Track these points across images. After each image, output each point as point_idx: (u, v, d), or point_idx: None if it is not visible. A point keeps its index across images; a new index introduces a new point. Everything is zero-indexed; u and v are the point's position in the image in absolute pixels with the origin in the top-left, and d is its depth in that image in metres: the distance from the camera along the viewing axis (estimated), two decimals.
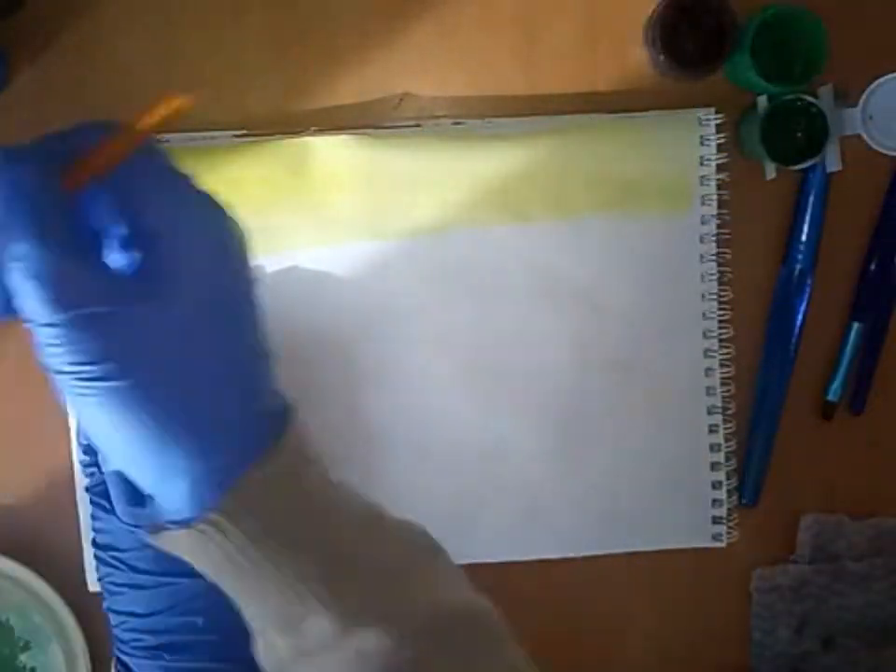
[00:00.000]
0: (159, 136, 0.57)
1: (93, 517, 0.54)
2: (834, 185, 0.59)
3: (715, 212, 0.58)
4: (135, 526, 0.51)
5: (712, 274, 0.59)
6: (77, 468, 0.58)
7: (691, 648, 0.61)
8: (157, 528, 0.40)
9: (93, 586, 0.59)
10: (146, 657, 0.51)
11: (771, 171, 0.57)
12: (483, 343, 0.58)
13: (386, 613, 0.38)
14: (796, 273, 0.59)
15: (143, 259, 0.38)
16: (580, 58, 0.59)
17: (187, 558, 0.40)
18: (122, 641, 0.53)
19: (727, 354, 0.59)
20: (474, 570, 0.60)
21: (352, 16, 0.58)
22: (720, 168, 0.58)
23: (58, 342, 0.37)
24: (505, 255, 0.58)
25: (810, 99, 0.55)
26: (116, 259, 0.39)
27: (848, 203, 0.59)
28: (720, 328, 0.59)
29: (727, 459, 0.59)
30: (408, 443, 0.59)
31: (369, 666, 0.38)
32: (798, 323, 0.60)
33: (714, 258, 0.58)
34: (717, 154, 0.57)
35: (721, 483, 0.59)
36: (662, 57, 0.55)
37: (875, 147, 0.54)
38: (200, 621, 0.51)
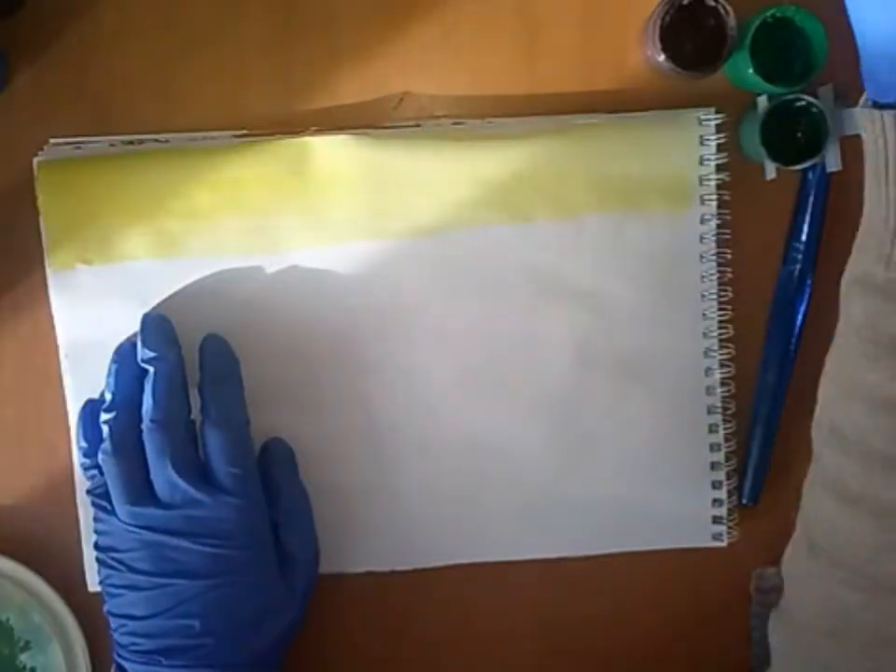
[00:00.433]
0: (158, 136, 0.58)
1: (95, 519, 0.54)
2: (834, 185, 0.59)
3: (715, 212, 0.58)
4: (136, 526, 0.51)
5: (712, 274, 0.59)
6: (78, 468, 0.58)
7: (691, 648, 0.61)
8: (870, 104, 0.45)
9: (93, 587, 0.59)
10: (143, 662, 0.51)
11: (771, 171, 0.57)
12: (483, 343, 0.58)
13: None
14: (796, 273, 0.59)
15: None
16: (580, 57, 0.59)
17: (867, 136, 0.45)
18: (121, 646, 0.53)
19: (727, 354, 0.59)
20: (474, 570, 0.61)
21: (352, 15, 0.58)
22: (719, 168, 0.58)
23: None
24: (505, 254, 0.58)
25: (810, 99, 0.55)
26: None
27: (848, 203, 0.59)
28: (719, 327, 0.59)
29: (727, 459, 0.59)
30: (408, 442, 0.59)
31: None
32: (798, 323, 0.60)
33: (714, 257, 0.58)
34: (716, 154, 0.57)
35: (721, 482, 0.59)
36: (662, 57, 0.55)
37: None
38: (196, 624, 0.51)
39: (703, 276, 0.59)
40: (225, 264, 0.57)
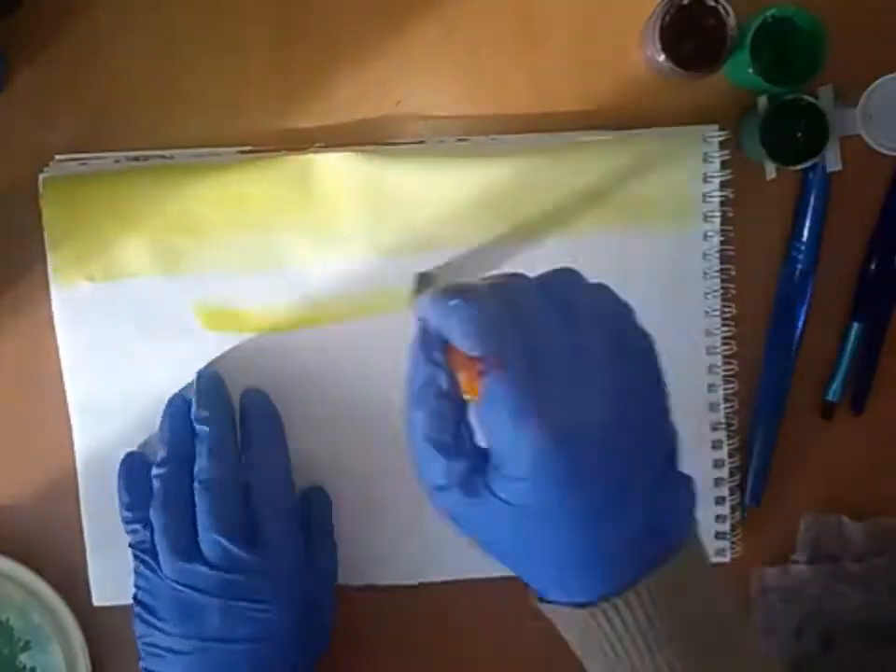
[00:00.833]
0: (163, 152, 0.58)
1: (136, 573, 0.54)
2: (834, 185, 0.59)
3: (718, 228, 0.58)
4: (180, 583, 0.51)
5: (715, 291, 0.58)
6: (78, 468, 0.58)
7: None
8: (542, 599, 0.42)
9: (99, 601, 0.59)
10: None
11: (771, 171, 0.57)
12: None
13: None
14: (797, 273, 0.59)
15: None
16: (579, 58, 0.58)
17: (559, 628, 0.42)
18: None
19: (731, 370, 0.59)
20: (477, 584, 0.60)
21: (352, 17, 0.58)
22: (723, 185, 0.57)
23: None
24: (508, 271, 0.58)
25: (810, 99, 0.55)
26: None
27: (848, 203, 0.59)
28: (723, 343, 0.59)
29: (731, 475, 0.59)
30: (409, 452, 0.59)
31: None
32: (799, 324, 0.60)
33: (717, 274, 0.58)
34: (720, 171, 0.57)
35: (724, 498, 0.59)
36: (662, 57, 0.55)
37: (875, 146, 0.54)
38: None
39: (706, 293, 0.58)
40: (229, 281, 0.57)
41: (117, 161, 0.58)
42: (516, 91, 0.59)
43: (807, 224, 0.59)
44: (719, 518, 0.60)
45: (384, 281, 0.58)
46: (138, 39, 0.58)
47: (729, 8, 0.54)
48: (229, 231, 0.57)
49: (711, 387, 0.59)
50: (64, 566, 0.59)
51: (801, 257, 0.59)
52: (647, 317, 0.58)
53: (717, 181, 0.57)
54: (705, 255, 0.58)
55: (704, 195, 0.58)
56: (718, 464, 0.59)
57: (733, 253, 0.59)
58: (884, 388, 0.61)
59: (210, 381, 0.56)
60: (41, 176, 0.57)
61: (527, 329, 0.39)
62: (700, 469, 0.59)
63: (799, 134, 0.56)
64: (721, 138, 0.57)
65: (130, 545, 0.54)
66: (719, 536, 0.60)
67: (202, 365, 0.57)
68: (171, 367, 0.57)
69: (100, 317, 0.57)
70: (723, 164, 0.57)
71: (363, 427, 0.58)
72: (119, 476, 0.56)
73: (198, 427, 0.53)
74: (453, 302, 0.39)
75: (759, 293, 0.60)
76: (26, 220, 0.57)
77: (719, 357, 0.59)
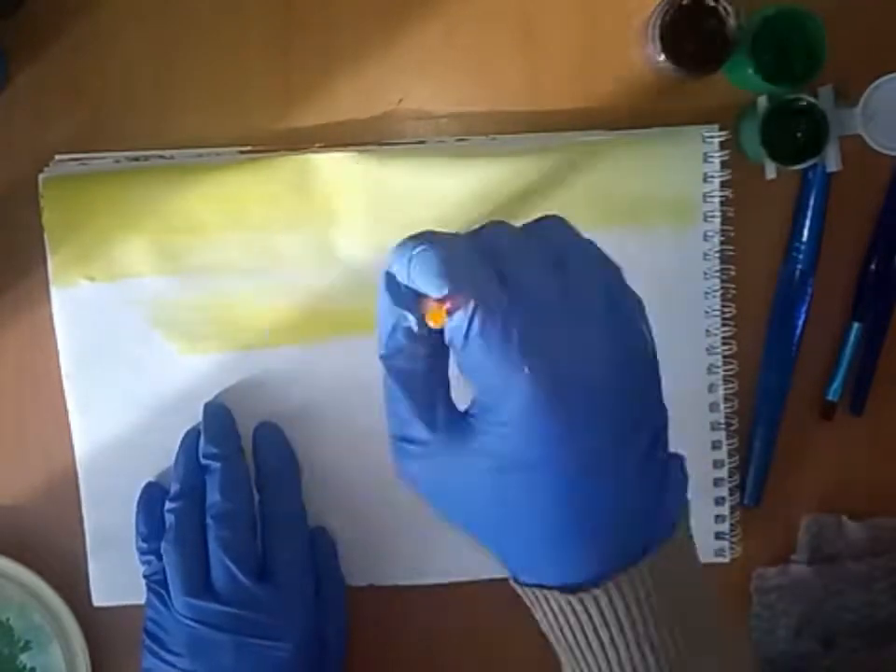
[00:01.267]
0: (163, 152, 0.58)
1: (148, 604, 0.53)
2: (834, 185, 0.59)
3: (718, 228, 0.58)
4: (190, 619, 0.50)
5: (715, 291, 0.58)
6: (78, 468, 0.58)
7: None
8: (519, 583, 0.39)
9: (98, 601, 0.59)
10: None
11: (771, 171, 0.57)
12: None
13: None
14: (797, 273, 0.59)
15: None
16: (579, 58, 0.58)
17: (535, 612, 0.39)
18: None
19: (730, 370, 0.59)
20: (477, 587, 0.60)
21: (352, 17, 0.58)
22: (723, 185, 0.57)
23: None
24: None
25: (810, 99, 0.55)
26: None
27: (848, 203, 0.59)
28: (723, 344, 0.59)
29: (730, 475, 0.59)
30: None
31: None
32: (799, 324, 0.60)
33: (717, 274, 0.58)
34: (720, 171, 0.57)
35: (723, 498, 0.59)
36: (662, 57, 0.55)
37: (875, 146, 0.54)
38: None
39: (706, 293, 0.58)
40: (228, 280, 0.57)
41: (117, 161, 0.58)
42: (516, 91, 0.59)
43: (807, 224, 0.59)
44: (718, 518, 0.60)
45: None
46: (138, 39, 0.58)
47: (729, 8, 0.54)
48: (229, 230, 0.57)
49: (711, 387, 0.59)
50: (64, 566, 0.59)
51: (801, 257, 0.59)
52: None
53: (717, 181, 0.57)
54: (705, 255, 0.58)
55: (704, 195, 0.58)
56: (717, 464, 0.59)
57: (733, 253, 0.59)
58: (884, 388, 0.60)
59: (217, 415, 0.55)
60: (41, 176, 0.57)
61: (504, 265, 0.36)
62: (700, 469, 0.59)
63: (799, 134, 0.56)
64: (721, 138, 0.57)
65: (143, 576, 0.54)
66: (718, 536, 0.60)
67: (201, 364, 0.57)
68: (171, 366, 0.57)
69: (100, 317, 0.57)
70: (723, 164, 0.57)
71: (365, 431, 0.58)
72: (138, 506, 0.56)
73: (207, 462, 0.53)
74: (416, 248, 0.36)
75: (759, 293, 0.60)
76: (26, 220, 0.57)
77: (719, 357, 0.59)
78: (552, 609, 0.38)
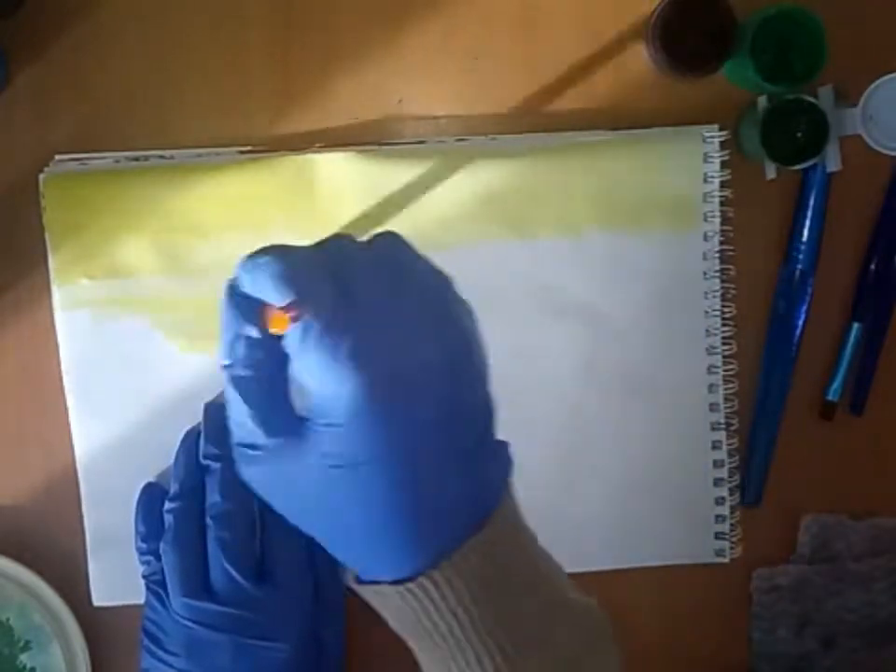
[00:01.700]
0: (163, 152, 0.58)
1: (147, 605, 0.53)
2: (834, 185, 0.59)
3: (718, 229, 0.58)
4: (188, 619, 0.51)
5: (715, 291, 0.58)
6: (78, 468, 0.58)
7: (690, 647, 0.61)
8: (360, 579, 0.41)
9: (98, 601, 0.59)
10: None
11: (771, 171, 0.57)
12: None
13: None
14: (797, 273, 0.59)
15: None
16: (579, 58, 0.58)
17: (381, 610, 0.41)
18: None
19: (730, 370, 0.59)
20: None
21: (352, 18, 0.58)
22: (723, 185, 0.58)
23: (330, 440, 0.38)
24: (508, 272, 0.58)
25: (810, 99, 0.55)
26: None
27: (848, 203, 0.59)
28: (723, 344, 0.59)
29: (730, 475, 0.59)
30: None
31: None
32: (799, 324, 0.60)
33: (717, 274, 0.58)
34: (720, 171, 0.57)
35: (724, 498, 0.59)
36: (662, 57, 0.55)
37: (875, 146, 0.54)
38: None
39: (706, 293, 0.58)
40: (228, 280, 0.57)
41: (117, 161, 0.58)
42: (516, 91, 0.59)
43: (807, 224, 0.59)
44: (718, 518, 0.60)
45: None
46: (138, 39, 0.58)
47: (729, 8, 0.54)
48: (229, 230, 0.57)
49: (711, 387, 0.59)
50: (64, 566, 0.59)
51: (801, 257, 0.59)
52: (647, 317, 0.59)
53: (717, 181, 0.58)
54: (705, 255, 0.58)
55: (704, 195, 0.58)
56: (717, 464, 0.59)
57: (733, 253, 0.59)
58: (884, 388, 0.61)
59: (217, 415, 0.55)
60: (42, 176, 0.57)
61: (343, 277, 0.39)
62: (700, 469, 0.59)
63: (799, 134, 0.56)
64: (720, 138, 0.57)
65: (143, 576, 0.54)
66: (718, 536, 0.60)
67: (202, 363, 0.57)
68: (172, 366, 0.57)
69: (101, 316, 0.57)
70: (723, 164, 0.57)
71: None
72: (137, 506, 0.56)
73: (207, 462, 0.53)
74: (261, 259, 0.39)
75: (759, 293, 0.60)
76: (27, 220, 0.57)
77: (719, 357, 0.59)
78: (390, 604, 0.40)
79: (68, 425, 0.58)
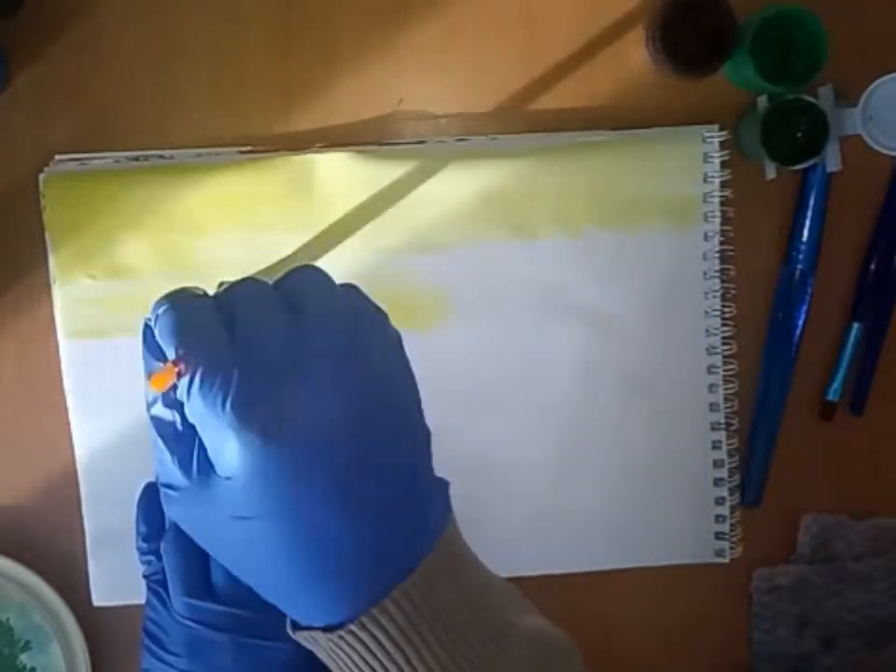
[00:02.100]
0: (163, 152, 0.58)
1: (148, 604, 0.53)
2: (834, 185, 0.59)
3: (718, 229, 0.58)
4: (189, 619, 0.50)
5: (716, 291, 0.58)
6: (78, 468, 0.58)
7: (691, 647, 0.61)
8: (297, 626, 0.40)
9: (98, 601, 0.59)
10: None
11: (771, 171, 0.57)
12: (486, 359, 0.58)
13: None
14: (797, 273, 0.59)
15: None
16: (579, 58, 0.59)
17: (320, 655, 0.40)
18: None
19: (730, 370, 0.59)
20: None
21: (352, 18, 0.58)
22: (723, 185, 0.58)
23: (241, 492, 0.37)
24: (509, 271, 0.58)
25: (810, 99, 0.55)
26: None
27: (848, 203, 0.59)
28: (723, 344, 0.59)
29: (730, 475, 0.59)
30: None
31: None
32: (799, 324, 0.60)
33: (717, 274, 0.58)
34: (720, 171, 0.57)
35: (724, 498, 0.59)
36: (662, 57, 0.55)
37: (875, 146, 0.54)
38: None
39: (706, 293, 0.58)
40: (228, 279, 0.57)
41: (117, 161, 0.58)
42: (516, 92, 0.59)
43: (807, 224, 0.59)
44: (718, 518, 0.60)
45: (383, 282, 0.58)
46: (138, 40, 0.58)
47: (729, 8, 0.54)
48: (229, 230, 0.57)
49: (711, 387, 0.59)
50: (64, 566, 0.59)
51: (801, 257, 0.59)
52: (647, 317, 0.59)
53: (717, 181, 0.58)
54: (705, 255, 0.58)
55: (704, 195, 0.58)
56: (717, 464, 0.59)
57: (733, 253, 0.59)
58: (884, 388, 0.61)
59: None
60: (42, 175, 0.57)
61: (241, 325, 0.37)
62: (700, 469, 0.59)
63: (799, 134, 0.56)
64: (720, 138, 0.57)
65: (143, 576, 0.54)
66: (718, 536, 0.60)
67: None
68: None
69: (101, 316, 0.57)
70: (723, 164, 0.57)
71: None
72: (138, 506, 0.56)
73: None
74: (161, 307, 0.38)
75: (759, 293, 0.60)
76: (26, 220, 0.57)
77: (719, 357, 0.59)
78: (325, 649, 0.39)
79: (68, 425, 0.58)
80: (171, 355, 0.37)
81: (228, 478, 0.37)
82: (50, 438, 0.59)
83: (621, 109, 0.59)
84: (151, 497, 0.56)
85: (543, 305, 0.58)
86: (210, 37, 0.58)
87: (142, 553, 0.54)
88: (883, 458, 0.61)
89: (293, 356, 0.37)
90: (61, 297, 0.57)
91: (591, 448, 0.59)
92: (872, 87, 0.53)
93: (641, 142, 0.58)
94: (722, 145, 0.57)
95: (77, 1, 0.57)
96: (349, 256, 0.57)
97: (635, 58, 0.59)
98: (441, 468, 0.58)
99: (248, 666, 0.51)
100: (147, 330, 0.40)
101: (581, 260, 0.58)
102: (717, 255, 0.58)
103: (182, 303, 0.39)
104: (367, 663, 0.38)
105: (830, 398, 0.60)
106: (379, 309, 0.41)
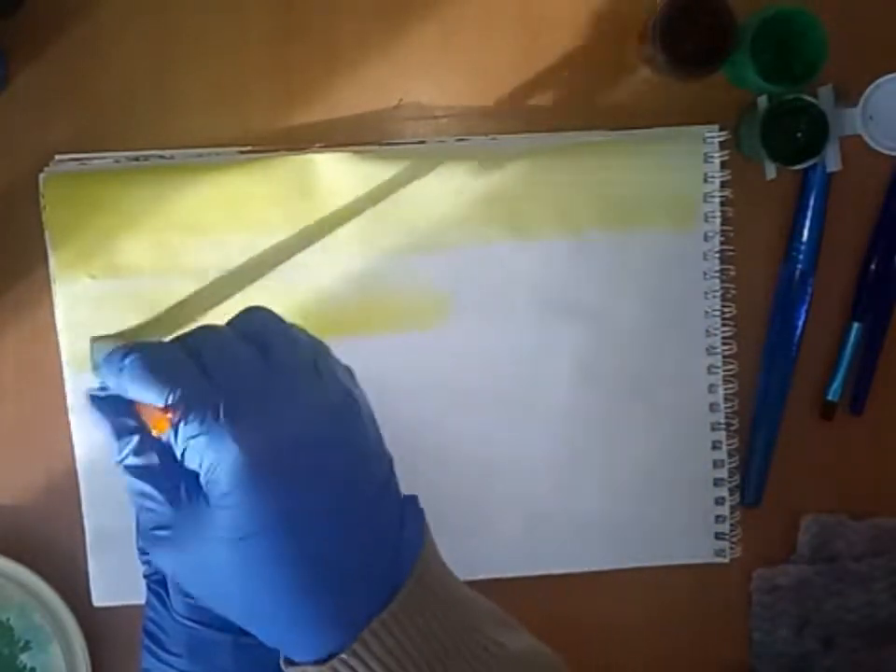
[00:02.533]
0: (163, 152, 0.58)
1: (148, 604, 0.53)
2: (834, 185, 0.59)
3: (718, 229, 0.58)
4: (189, 619, 0.50)
5: (716, 291, 0.58)
6: (78, 468, 0.58)
7: (691, 648, 0.61)
8: (288, 661, 0.41)
9: (98, 602, 0.59)
10: None
11: (771, 171, 0.57)
12: (485, 360, 0.58)
13: None
14: (797, 273, 0.59)
15: None
16: (579, 58, 0.59)
17: None
18: None
19: (730, 370, 0.59)
20: (479, 587, 0.60)
21: (352, 18, 0.58)
22: (723, 185, 0.58)
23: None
24: (508, 272, 0.58)
25: (810, 99, 0.55)
26: None
27: (848, 203, 0.59)
28: (723, 344, 0.59)
29: (730, 475, 0.59)
30: (410, 458, 0.58)
31: None
32: (799, 324, 0.60)
33: (717, 274, 0.58)
34: (720, 171, 0.57)
35: (724, 499, 0.59)
36: (662, 57, 0.55)
37: (875, 146, 0.54)
38: None
39: (706, 293, 0.58)
40: (228, 280, 0.57)
41: (117, 161, 0.58)
42: (516, 91, 0.59)
43: (807, 224, 0.59)
44: (718, 518, 0.60)
45: (383, 282, 0.58)
46: (138, 39, 0.58)
47: (729, 8, 0.54)
48: (229, 231, 0.57)
49: (711, 388, 0.59)
50: (64, 566, 0.59)
51: (801, 257, 0.59)
52: (647, 317, 0.59)
53: (717, 181, 0.58)
54: (705, 255, 0.58)
55: (704, 195, 0.58)
56: (717, 464, 0.59)
57: (733, 253, 0.59)
58: (884, 388, 0.61)
59: None
60: (41, 176, 0.57)
61: (214, 364, 0.39)
62: (700, 470, 0.59)
63: (799, 134, 0.56)
64: (721, 138, 0.57)
65: (143, 576, 0.54)
66: (718, 536, 0.60)
67: None
68: None
69: (101, 315, 0.57)
70: (723, 164, 0.57)
71: None
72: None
73: None
74: (127, 359, 0.39)
75: (759, 293, 0.60)
76: (26, 220, 0.57)
77: (719, 357, 0.59)
78: None
79: (68, 425, 0.58)
80: (152, 397, 0.38)
81: (225, 493, 0.37)
82: (50, 438, 0.59)
83: (621, 109, 0.59)
84: None
85: (543, 305, 0.58)
86: (210, 37, 0.58)
87: (142, 552, 0.54)
88: (883, 458, 0.61)
89: (267, 380, 0.39)
90: (61, 296, 0.57)
91: (590, 448, 0.59)
92: (872, 87, 0.53)
93: (641, 142, 0.58)
94: (722, 145, 0.57)
95: (77, 1, 0.57)
96: (349, 256, 0.57)
97: (635, 58, 0.59)
98: (441, 467, 0.59)
99: (248, 667, 0.51)
100: (94, 399, 0.41)
101: (580, 260, 0.58)
102: (717, 255, 0.58)
103: (147, 348, 0.40)
104: None
105: (830, 398, 0.60)
106: (325, 346, 0.43)
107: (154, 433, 0.39)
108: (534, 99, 0.59)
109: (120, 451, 0.41)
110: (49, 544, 0.59)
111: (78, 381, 0.58)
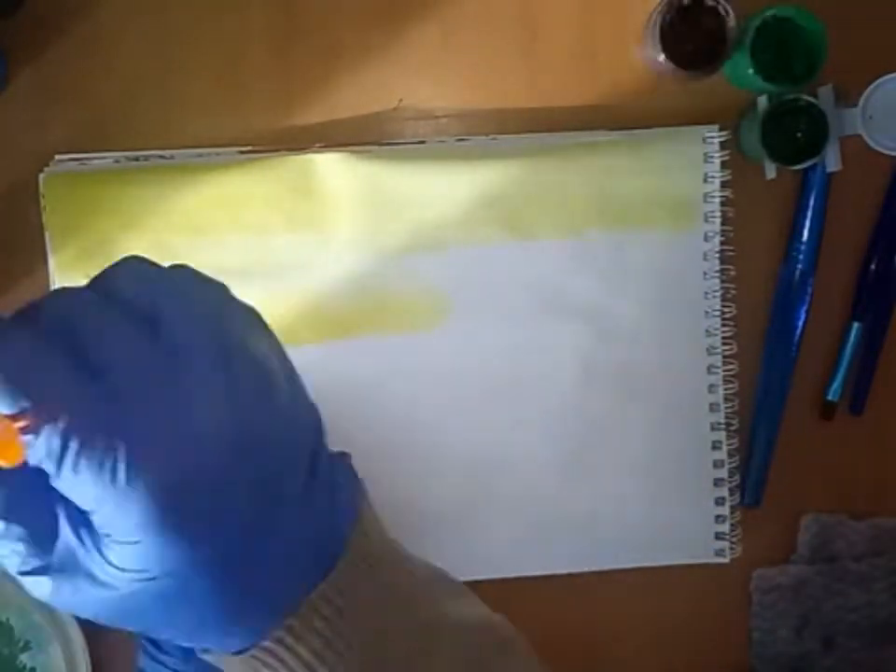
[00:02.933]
0: (163, 152, 0.58)
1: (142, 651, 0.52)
2: (834, 185, 0.59)
3: (718, 229, 0.58)
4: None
5: (716, 291, 0.58)
6: None
7: (691, 647, 0.61)
8: (207, 649, 0.36)
9: None
10: None
11: (771, 171, 0.57)
12: (486, 360, 0.58)
13: None
14: (797, 273, 0.59)
15: None
16: (579, 59, 0.59)
17: None
18: None
19: (730, 370, 0.59)
20: (479, 587, 0.60)
21: (354, 25, 0.58)
22: (723, 185, 0.58)
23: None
24: (509, 271, 0.58)
25: (810, 99, 0.55)
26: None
27: (848, 203, 0.59)
28: (723, 344, 0.59)
29: (730, 475, 0.59)
30: (412, 458, 0.59)
31: None
32: (799, 324, 0.60)
33: (718, 274, 0.58)
34: (720, 171, 0.57)
35: (724, 499, 0.59)
36: (662, 57, 0.55)
37: (875, 146, 0.54)
38: None
39: (706, 293, 0.58)
40: (228, 280, 0.57)
41: (117, 161, 0.58)
42: (516, 92, 0.59)
43: (807, 224, 0.59)
44: (718, 518, 0.60)
45: (383, 282, 0.58)
46: (138, 40, 0.58)
47: (729, 9, 0.54)
48: (229, 230, 0.57)
49: (711, 388, 0.59)
50: None
51: (801, 257, 0.59)
52: (647, 317, 0.59)
53: (717, 181, 0.58)
54: (705, 255, 0.58)
55: (704, 195, 0.58)
56: (718, 464, 0.59)
57: (733, 253, 0.59)
58: (884, 388, 0.61)
59: None
60: (42, 175, 0.57)
61: (90, 346, 0.29)
62: (700, 470, 0.59)
63: (799, 134, 0.56)
64: (721, 138, 0.57)
65: None
66: (718, 536, 0.60)
67: None
68: None
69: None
70: (723, 164, 0.57)
71: (362, 431, 0.58)
72: None
73: None
74: None
75: (759, 293, 0.60)
76: (27, 220, 0.57)
77: (719, 357, 0.59)
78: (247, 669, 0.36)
79: None
80: (7, 409, 0.27)
81: (125, 542, 0.29)
82: None
83: (620, 109, 0.59)
84: None
85: (543, 305, 0.58)
86: (210, 37, 0.58)
87: None
88: (883, 458, 0.61)
89: (166, 376, 0.30)
90: None
91: (590, 448, 0.59)
92: (872, 87, 0.54)
93: (641, 142, 0.58)
94: (723, 145, 0.57)
95: (77, 1, 0.57)
96: (349, 256, 0.57)
97: (635, 58, 0.59)
98: (441, 467, 0.59)
99: None
100: None
101: (581, 260, 0.58)
102: (717, 255, 0.58)
103: None
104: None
105: (830, 398, 0.60)
106: (223, 285, 0.34)
107: (1, 462, 0.28)
108: (534, 99, 0.59)
109: None
110: None
111: None
